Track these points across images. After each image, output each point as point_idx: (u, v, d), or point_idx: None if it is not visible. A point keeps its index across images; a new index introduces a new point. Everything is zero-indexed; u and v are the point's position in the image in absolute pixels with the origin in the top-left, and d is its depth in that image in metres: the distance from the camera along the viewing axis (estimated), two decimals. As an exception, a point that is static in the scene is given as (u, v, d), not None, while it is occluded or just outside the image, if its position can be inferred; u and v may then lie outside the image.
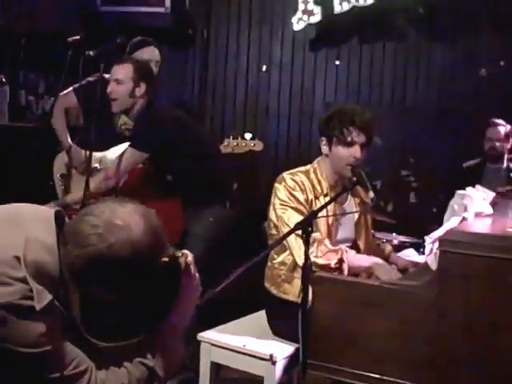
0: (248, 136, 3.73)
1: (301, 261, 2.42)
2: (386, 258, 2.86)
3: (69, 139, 3.79)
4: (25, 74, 5.07)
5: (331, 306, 2.35)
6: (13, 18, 4.65)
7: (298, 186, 2.65)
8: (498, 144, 4.49)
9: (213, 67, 5.52)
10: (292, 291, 2.63)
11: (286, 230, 2.51)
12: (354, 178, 2.57)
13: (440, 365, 2.16)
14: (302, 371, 2.18)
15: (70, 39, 3.43)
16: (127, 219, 1.47)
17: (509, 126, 4.50)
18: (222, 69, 5.50)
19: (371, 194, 2.49)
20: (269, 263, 2.78)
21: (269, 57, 5.36)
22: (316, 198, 2.66)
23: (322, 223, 2.65)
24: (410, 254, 3.13)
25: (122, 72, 3.27)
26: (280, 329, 2.69)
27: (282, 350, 2.60)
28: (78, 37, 3.44)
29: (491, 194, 2.64)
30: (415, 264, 2.78)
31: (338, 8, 4.86)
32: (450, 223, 2.39)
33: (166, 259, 1.53)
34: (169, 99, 5.01)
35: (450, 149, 4.77)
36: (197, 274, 1.69)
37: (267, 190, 2.78)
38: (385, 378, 2.24)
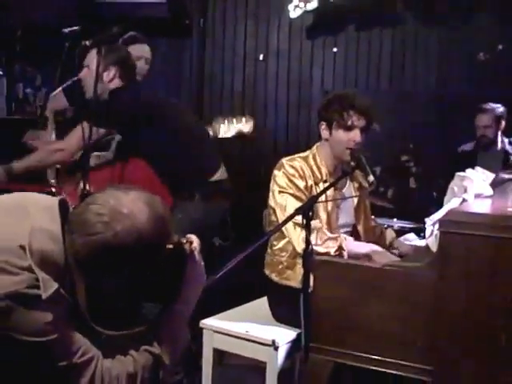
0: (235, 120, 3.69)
1: (300, 248, 2.43)
2: (389, 245, 2.87)
3: None
4: (22, 67, 5.06)
5: (332, 289, 2.36)
6: (8, 9, 4.63)
7: (298, 172, 2.64)
8: (487, 130, 4.41)
9: (210, 57, 5.50)
10: (294, 277, 2.63)
11: (284, 216, 2.49)
12: (353, 163, 2.57)
13: (441, 346, 2.17)
14: (304, 355, 2.18)
15: (66, 30, 3.40)
16: (132, 207, 1.47)
17: (500, 109, 4.39)
18: (220, 58, 5.47)
19: (371, 178, 2.48)
20: (268, 250, 2.78)
21: (266, 45, 5.35)
22: (316, 183, 2.66)
23: (321, 209, 2.65)
24: (411, 239, 3.12)
25: (89, 57, 3.21)
26: (282, 314, 2.70)
27: (284, 336, 2.61)
28: (76, 28, 3.42)
29: (491, 176, 2.64)
30: (417, 249, 2.78)
31: (334, -7, 4.84)
32: (449, 205, 2.39)
33: (170, 246, 1.53)
34: (166, 89, 4.99)
35: (449, 134, 4.76)
36: (202, 261, 1.69)
37: (266, 178, 2.77)
38: (386, 359, 2.25)
